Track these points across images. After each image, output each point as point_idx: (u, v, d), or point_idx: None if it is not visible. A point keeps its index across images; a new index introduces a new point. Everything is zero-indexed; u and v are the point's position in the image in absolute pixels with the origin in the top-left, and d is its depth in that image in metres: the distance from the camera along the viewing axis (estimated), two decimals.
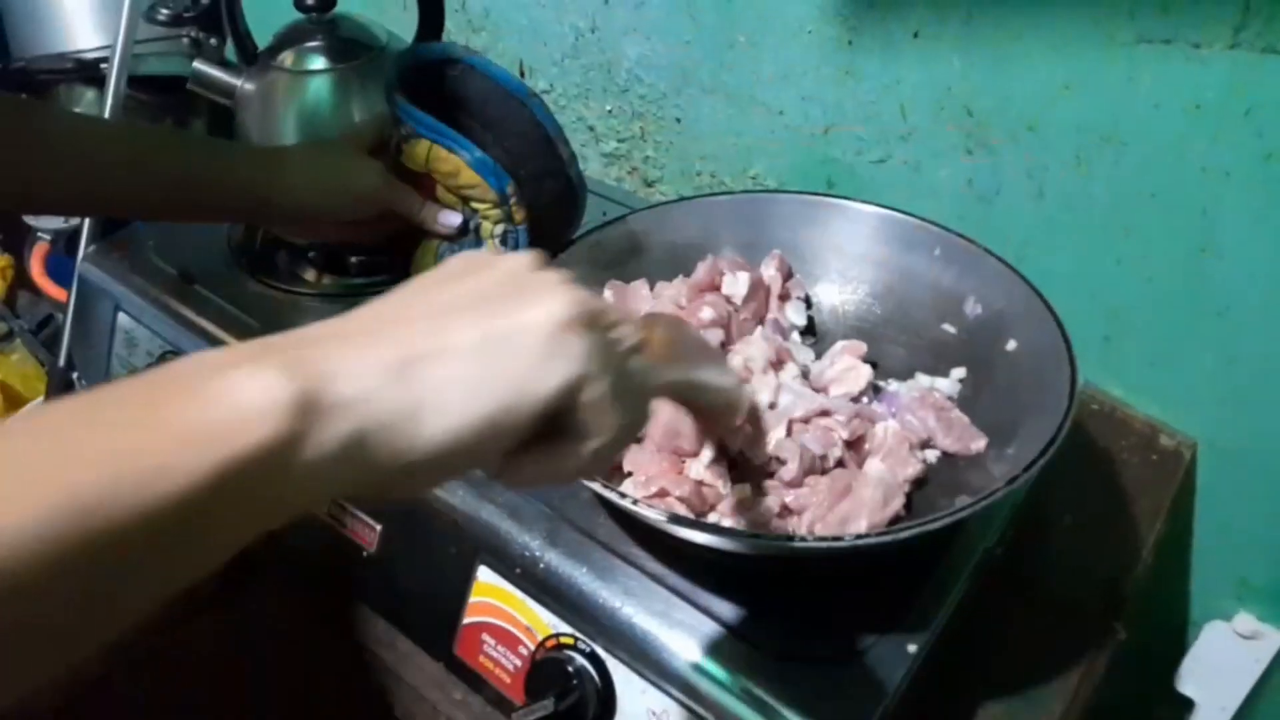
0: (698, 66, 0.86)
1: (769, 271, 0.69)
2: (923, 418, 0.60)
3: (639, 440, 0.56)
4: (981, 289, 0.65)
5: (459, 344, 0.29)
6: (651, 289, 0.69)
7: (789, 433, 0.58)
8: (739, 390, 0.53)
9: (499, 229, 0.67)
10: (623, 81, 0.92)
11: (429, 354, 0.28)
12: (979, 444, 0.59)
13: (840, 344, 0.65)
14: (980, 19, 0.69)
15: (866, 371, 0.63)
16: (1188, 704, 0.80)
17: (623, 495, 0.51)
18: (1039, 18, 0.67)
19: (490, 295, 0.31)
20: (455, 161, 0.65)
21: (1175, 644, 0.85)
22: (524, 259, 0.33)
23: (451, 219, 0.68)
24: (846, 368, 0.63)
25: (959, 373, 0.65)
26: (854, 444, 0.59)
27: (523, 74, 0.99)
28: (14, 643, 0.21)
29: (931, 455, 0.60)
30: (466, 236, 0.69)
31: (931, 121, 0.75)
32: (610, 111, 0.95)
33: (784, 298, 0.70)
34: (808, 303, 0.71)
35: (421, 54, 0.68)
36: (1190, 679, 0.81)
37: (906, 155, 0.78)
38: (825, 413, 0.59)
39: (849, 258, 0.71)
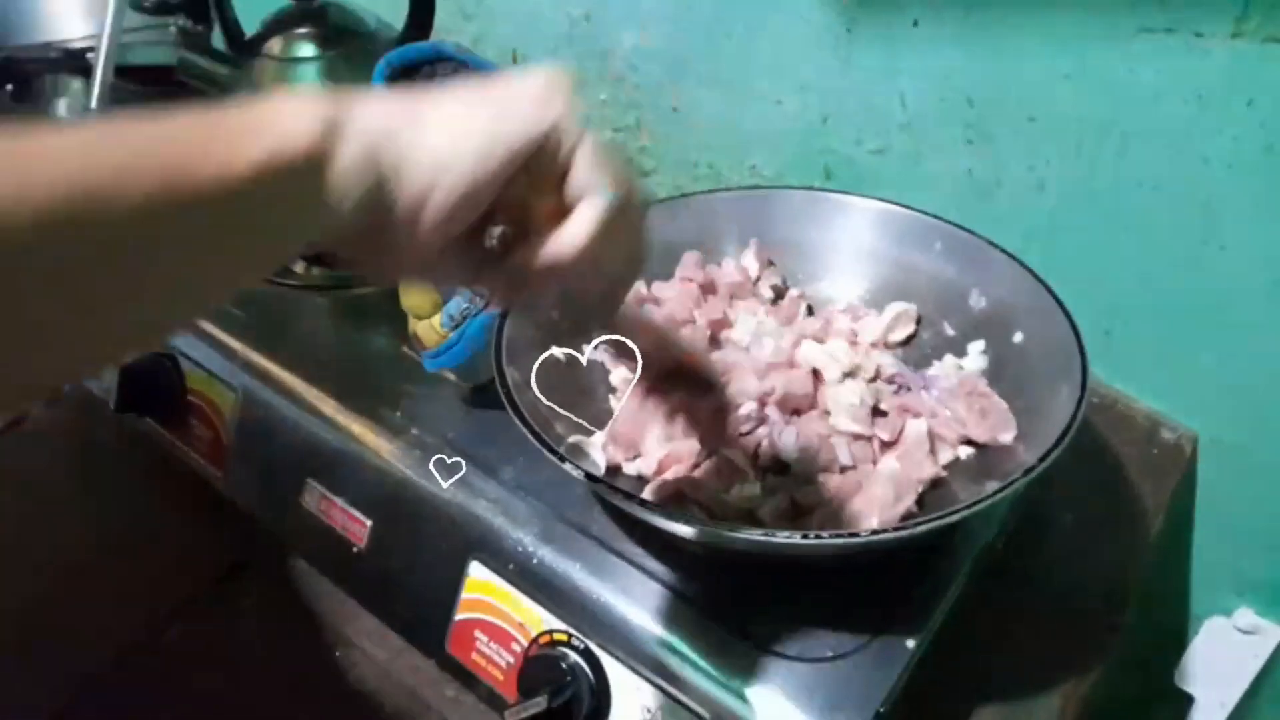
0: (694, 55, 0.85)
1: (749, 261, 0.68)
2: (955, 408, 0.59)
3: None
4: (985, 282, 0.64)
5: (458, 99, 0.34)
6: (649, 288, 0.68)
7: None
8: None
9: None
10: (618, 70, 0.91)
11: (433, 104, 0.34)
12: (1007, 435, 0.58)
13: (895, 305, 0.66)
14: (980, 8, 0.68)
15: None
16: (1187, 699, 0.80)
17: (629, 496, 0.50)
18: (1039, 7, 0.66)
19: (495, 84, 0.35)
20: None
21: (1175, 640, 0.85)
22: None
23: None
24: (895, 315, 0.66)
25: (977, 346, 0.64)
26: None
27: (515, 62, 0.98)
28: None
29: (964, 452, 0.59)
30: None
31: (931, 112, 0.75)
32: (605, 101, 0.94)
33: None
34: (777, 294, 0.71)
35: (410, 53, 0.67)
36: (1190, 675, 0.80)
37: (906, 146, 0.78)
38: (876, 409, 0.59)
39: (849, 253, 0.71)
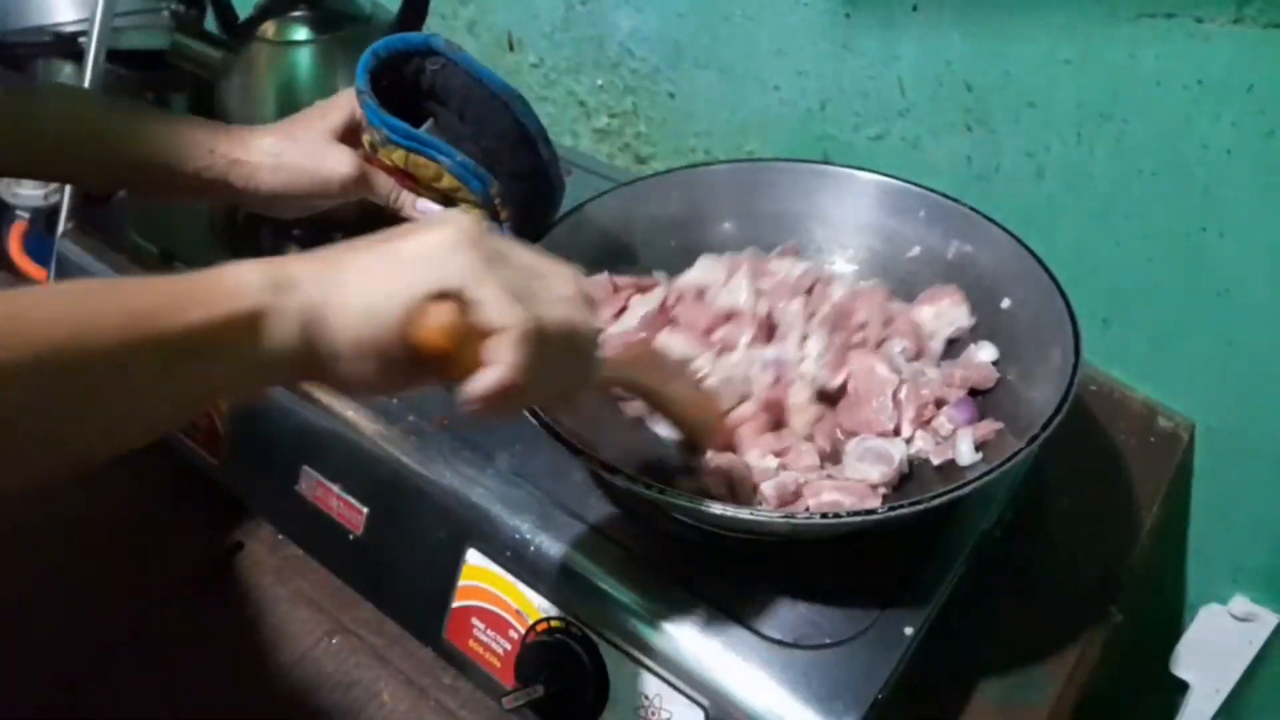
0: (691, 40, 0.85)
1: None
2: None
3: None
4: (970, 243, 0.65)
5: (373, 251, 0.40)
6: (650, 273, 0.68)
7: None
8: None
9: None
10: (614, 55, 0.90)
11: (352, 259, 0.40)
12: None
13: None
14: None
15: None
16: (1182, 686, 0.80)
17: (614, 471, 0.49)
18: None
19: (416, 227, 0.41)
20: (435, 167, 0.63)
21: (1171, 627, 0.85)
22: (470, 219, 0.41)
23: (429, 208, 0.67)
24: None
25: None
26: None
27: (511, 47, 0.97)
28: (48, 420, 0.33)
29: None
30: None
31: (930, 97, 0.74)
32: (601, 86, 0.94)
33: None
34: None
35: (398, 43, 0.66)
36: (1185, 661, 0.80)
37: (904, 131, 0.77)
38: None
39: (837, 226, 0.71)
